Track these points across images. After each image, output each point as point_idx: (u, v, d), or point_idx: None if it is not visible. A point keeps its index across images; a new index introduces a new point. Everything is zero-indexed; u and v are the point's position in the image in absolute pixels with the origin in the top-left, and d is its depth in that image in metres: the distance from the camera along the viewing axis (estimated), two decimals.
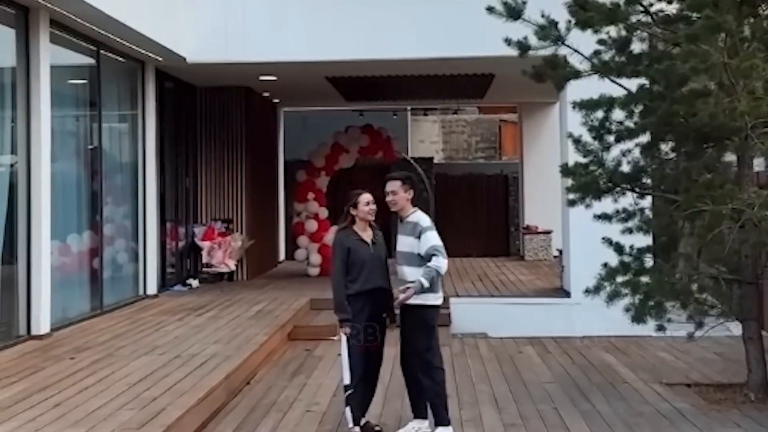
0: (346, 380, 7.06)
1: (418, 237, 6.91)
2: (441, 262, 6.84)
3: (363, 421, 7.19)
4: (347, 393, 7.06)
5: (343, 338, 7.07)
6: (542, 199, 19.44)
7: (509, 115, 29.34)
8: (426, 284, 6.79)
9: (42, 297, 9.94)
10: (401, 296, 6.88)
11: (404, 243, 7.05)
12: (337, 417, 7.67)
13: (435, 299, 7.03)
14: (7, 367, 8.42)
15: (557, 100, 19.01)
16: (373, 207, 7.23)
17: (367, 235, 7.22)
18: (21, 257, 9.88)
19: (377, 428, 7.28)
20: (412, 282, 6.87)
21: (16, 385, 7.66)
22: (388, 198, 7.11)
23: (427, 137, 31.42)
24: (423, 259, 6.88)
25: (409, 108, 25.06)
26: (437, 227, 7.12)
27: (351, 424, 7.05)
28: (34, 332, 9.87)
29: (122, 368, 8.43)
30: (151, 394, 7.37)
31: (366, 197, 7.22)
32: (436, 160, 24.94)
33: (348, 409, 7.05)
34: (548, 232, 19.28)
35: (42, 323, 9.94)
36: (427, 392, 7.04)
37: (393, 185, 7.11)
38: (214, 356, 9.00)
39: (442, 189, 21.81)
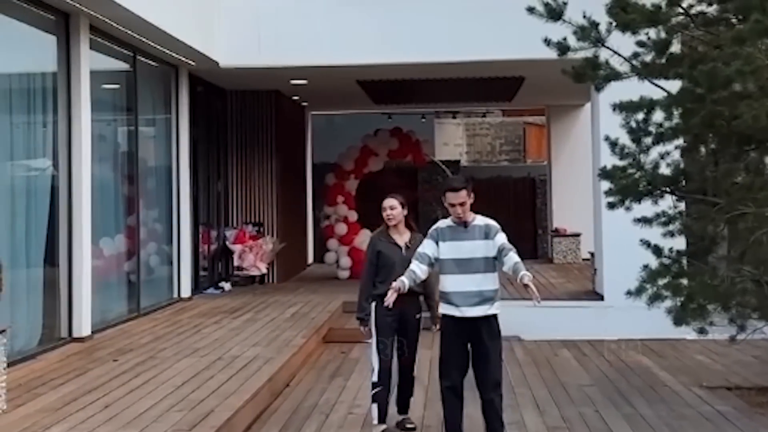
0: (375, 377, 7.17)
1: (493, 238, 6.41)
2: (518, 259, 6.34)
3: (400, 417, 7.31)
4: (375, 390, 7.15)
5: (374, 335, 7.19)
6: (571, 201, 19.41)
7: (534, 117, 29.34)
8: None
9: (83, 300, 10.02)
10: (532, 287, 6.07)
11: (477, 248, 6.44)
12: None
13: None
14: (53, 369, 8.52)
15: (584, 102, 19.12)
16: (390, 213, 7.17)
17: (402, 238, 7.25)
18: (62, 260, 9.96)
19: (411, 426, 7.32)
20: (493, 289, 6.43)
21: (63, 387, 7.75)
22: (458, 210, 6.43)
23: (451, 140, 31.39)
24: (495, 261, 6.44)
25: (434, 111, 25.09)
26: None
27: (376, 421, 7.14)
28: (75, 335, 9.95)
29: (166, 370, 8.51)
30: (197, 395, 7.43)
31: (384, 202, 7.20)
32: (462, 163, 24.92)
33: (375, 406, 7.15)
34: (577, 235, 19.25)
35: (83, 326, 10.02)
36: (496, 410, 6.51)
37: (461, 196, 6.42)
38: (256, 358, 9.07)
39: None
